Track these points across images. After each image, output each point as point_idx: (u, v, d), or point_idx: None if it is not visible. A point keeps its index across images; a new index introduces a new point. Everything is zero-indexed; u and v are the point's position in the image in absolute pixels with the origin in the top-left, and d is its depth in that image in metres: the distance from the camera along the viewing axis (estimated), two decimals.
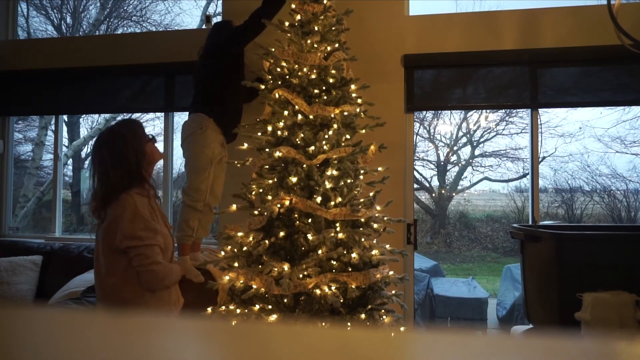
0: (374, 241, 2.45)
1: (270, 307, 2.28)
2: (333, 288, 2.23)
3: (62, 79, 3.99)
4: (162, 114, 3.98)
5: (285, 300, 2.25)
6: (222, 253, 2.33)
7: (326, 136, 2.37)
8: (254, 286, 2.25)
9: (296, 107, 2.42)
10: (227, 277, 2.27)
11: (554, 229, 2.90)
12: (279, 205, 2.33)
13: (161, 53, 3.72)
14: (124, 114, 4.21)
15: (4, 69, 4.00)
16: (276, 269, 2.22)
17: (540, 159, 3.75)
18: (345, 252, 2.27)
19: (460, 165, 8.90)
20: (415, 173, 8.58)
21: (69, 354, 0.31)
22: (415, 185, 8.52)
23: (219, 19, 4.46)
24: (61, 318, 0.39)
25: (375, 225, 2.45)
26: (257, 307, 2.31)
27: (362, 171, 2.53)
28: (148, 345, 0.34)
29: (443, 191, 8.93)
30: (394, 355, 0.32)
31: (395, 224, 2.63)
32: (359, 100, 2.56)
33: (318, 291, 2.19)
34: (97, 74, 3.91)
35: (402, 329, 2.35)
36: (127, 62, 3.79)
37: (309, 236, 2.26)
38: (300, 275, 2.20)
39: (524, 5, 3.30)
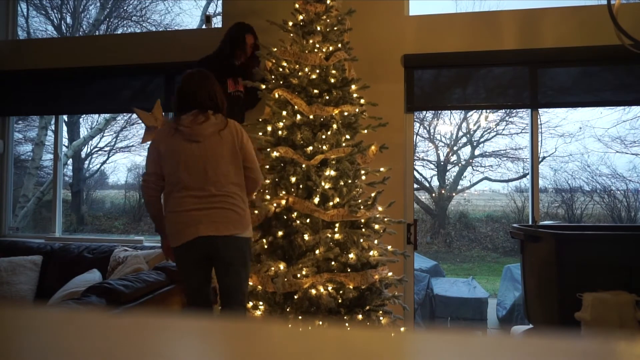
0: (375, 242, 2.45)
1: (261, 303, 2.30)
2: (330, 288, 2.23)
3: (62, 79, 3.99)
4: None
5: (275, 298, 2.26)
6: None
7: (323, 136, 2.37)
8: (250, 283, 2.27)
9: (295, 107, 2.43)
10: None
11: (554, 229, 2.89)
12: (275, 205, 2.34)
13: (161, 53, 3.73)
14: (124, 114, 4.21)
15: (4, 69, 4.00)
16: (273, 268, 2.23)
17: (540, 159, 3.75)
18: (344, 252, 2.27)
19: (460, 165, 8.90)
20: (415, 173, 8.57)
21: (69, 354, 0.31)
22: (415, 185, 8.50)
23: (219, 19, 4.46)
24: (61, 318, 0.39)
25: (376, 227, 2.45)
26: (251, 304, 2.32)
27: (362, 172, 2.53)
28: (148, 345, 0.34)
29: (443, 191, 8.93)
30: (394, 355, 0.32)
31: (395, 224, 2.63)
32: (362, 101, 2.56)
33: (313, 291, 2.20)
34: (97, 74, 3.91)
35: (402, 329, 2.35)
36: (127, 62, 3.79)
37: (306, 236, 2.26)
38: (298, 275, 2.20)
39: (524, 5, 3.30)
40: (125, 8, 6.80)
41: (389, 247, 2.54)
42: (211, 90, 2.18)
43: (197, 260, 2.11)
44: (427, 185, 8.90)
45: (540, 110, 3.50)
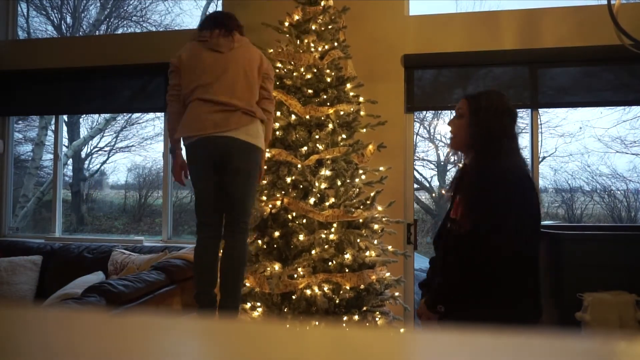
0: (375, 242, 2.45)
1: (258, 304, 2.30)
2: (326, 289, 2.23)
3: (62, 79, 3.98)
4: (162, 114, 3.98)
5: (273, 299, 2.26)
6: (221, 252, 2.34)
7: (317, 136, 2.37)
8: (247, 284, 2.27)
9: (290, 107, 2.43)
10: None
11: (554, 229, 2.89)
12: (270, 206, 2.34)
13: (161, 53, 3.72)
14: (124, 113, 4.20)
15: (4, 69, 4.00)
16: (269, 269, 2.23)
17: (540, 159, 3.75)
18: (338, 253, 2.27)
19: (460, 165, 8.87)
20: (415, 173, 8.56)
21: (69, 354, 0.31)
22: (416, 185, 8.48)
23: None
24: (61, 318, 0.39)
25: (375, 227, 2.44)
26: (249, 304, 2.32)
27: (361, 171, 2.53)
28: (148, 345, 0.34)
29: (443, 191, 8.93)
30: (394, 356, 0.32)
31: (395, 224, 2.63)
32: (361, 99, 2.56)
33: (308, 291, 2.19)
34: (97, 74, 3.90)
35: (402, 330, 2.35)
36: (127, 62, 3.79)
37: (301, 237, 2.26)
38: (295, 275, 2.20)
39: (524, 5, 3.30)
40: (125, 8, 6.80)
41: (390, 247, 2.53)
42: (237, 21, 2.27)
43: (207, 162, 2.08)
44: (427, 185, 8.89)
45: (540, 110, 3.49)
